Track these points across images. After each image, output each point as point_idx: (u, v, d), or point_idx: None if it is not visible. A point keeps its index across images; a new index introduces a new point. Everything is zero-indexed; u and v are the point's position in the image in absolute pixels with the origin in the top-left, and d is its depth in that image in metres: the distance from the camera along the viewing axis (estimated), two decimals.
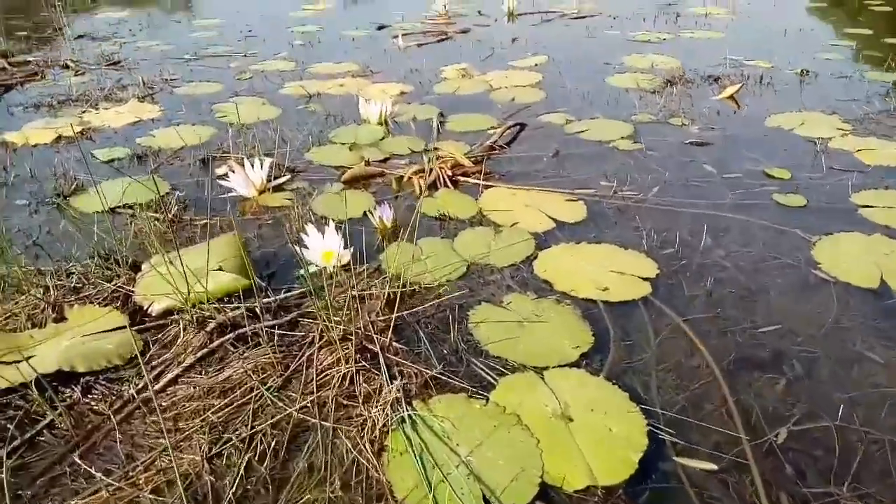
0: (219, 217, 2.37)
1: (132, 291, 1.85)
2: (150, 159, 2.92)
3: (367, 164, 2.81)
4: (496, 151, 2.95)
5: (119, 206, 2.44)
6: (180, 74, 4.31)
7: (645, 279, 1.94)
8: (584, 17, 5.74)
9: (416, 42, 5.05)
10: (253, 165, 2.60)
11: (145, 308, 1.79)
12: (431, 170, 2.67)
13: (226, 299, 1.85)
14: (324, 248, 2.01)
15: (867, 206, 2.31)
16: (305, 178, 2.72)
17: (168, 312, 1.79)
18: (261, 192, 2.57)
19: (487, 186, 2.56)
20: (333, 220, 2.23)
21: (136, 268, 1.98)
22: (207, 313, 1.74)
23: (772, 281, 1.92)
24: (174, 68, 4.47)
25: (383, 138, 3.12)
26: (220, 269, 1.84)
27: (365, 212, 2.38)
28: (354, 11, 6.83)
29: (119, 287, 1.87)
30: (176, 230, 2.28)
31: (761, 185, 2.54)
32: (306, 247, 2.01)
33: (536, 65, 4.29)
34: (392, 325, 1.72)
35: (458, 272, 2.00)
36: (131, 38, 5.58)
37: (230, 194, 2.52)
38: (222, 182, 2.56)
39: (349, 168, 2.74)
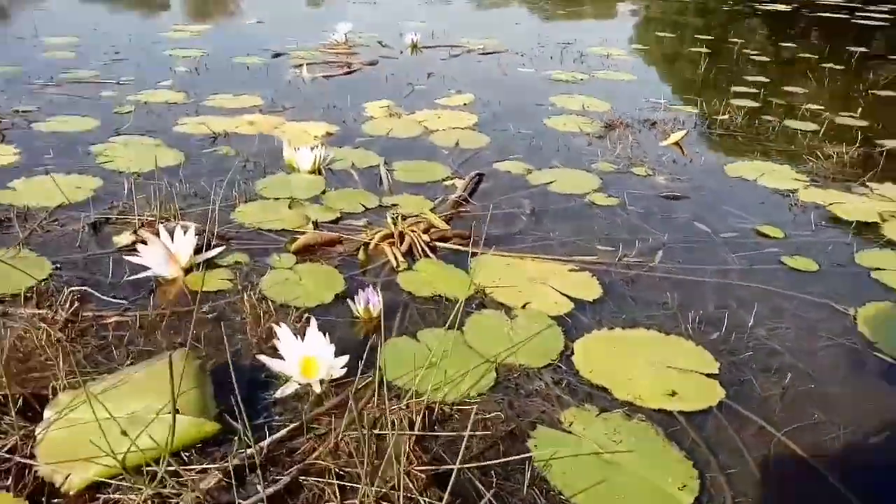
0: (136, 311, 1.74)
1: (31, 459, 1.21)
2: (16, 224, 2.18)
3: (317, 227, 2.29)
4: (462, 208, 2.54)
5: None
6: (37, 105, 3.47)
7: (709, 376, 1.62)
8: (491, 53, 5.52)
9: (323, 73, 4.53)
10: (172, 233, 1.99)
11: (57, 485, 1.17)
12: (402, 234, 2.21)
13: (186, 456, 1.27)
14: (305, 356, 1.51)
15: (878, 269, 2.18)
16: (241, 247, 2.14)
17: (95, 488, 1.18)
18: (187, 271, 1.96)
19: (473, 254, 2.14)
20: (295, 307, 1.72)
21: (31, 414, 1.33)
22: (167, 488, 1.15)
23: (837, 368, 1.69)
24: (28, 97, 3.60)
25: (324, 192, 2.60)
26: (175, 409, 1.26)
27: (337, 295, 1.87)
28: (237, 35, 6.14)
29: (8, 453, 1.22)
30: (75, 337, 1.62)
31: (760, 245, 2.36)
32: (280, 356, 1.49)
33: (465, 104, 3.96)
34: (430, 475, 1.25)
35: (487, 380, 1.56)
36: None
37: (143, 274, 1.89)
38: (130, 258, 1.93)
39: (296, 233, 2.21)
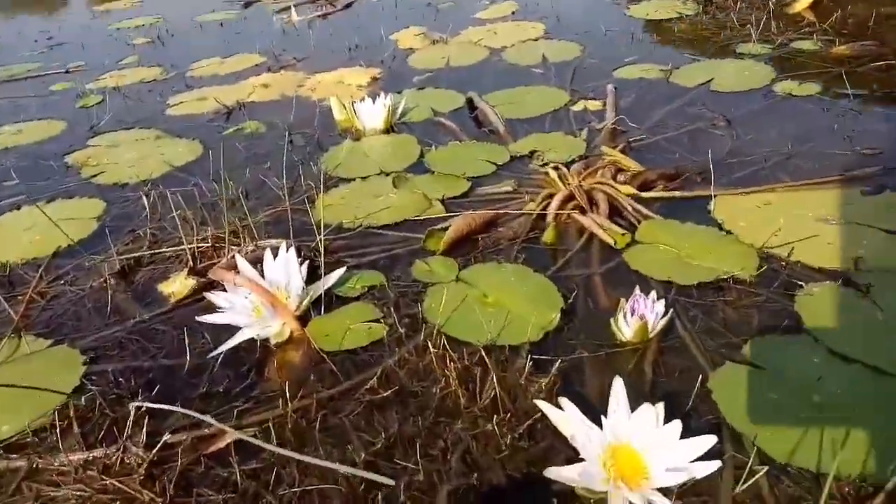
0: (253, 415, 1.00)
1: None
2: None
3: (446, 207, 1.53)
4: (621, 138, 1.79)
5: None
6: None
7: None
8: None
9: (317, 13, 3.64)
10: (257, 262, 1.23)
11: None
12: (589, 193, 1.46)
13: None
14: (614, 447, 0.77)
15: None
16: (357, 261, 1.38)
17: None
18: (302, 320, 1.21)
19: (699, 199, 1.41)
20: (509, 347, 1.01)
21: None
22: None
23: None
24: None
25: (422, 155, 1.82)
26: None
27: (563, 312, 1.14)
28: None
29: None
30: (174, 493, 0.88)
31: None
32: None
33: (513, 13, 3.14)
34: None
35: None
36: None
37: (232, 342, 1.14)
38: (206, 318, 1.17)
39: (425, 223, 1.45)
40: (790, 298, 1.13)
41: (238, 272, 1.19)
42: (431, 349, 1.07)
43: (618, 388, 0.87)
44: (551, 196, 1.47)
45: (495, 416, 0.95)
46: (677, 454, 0.81)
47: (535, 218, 1.44)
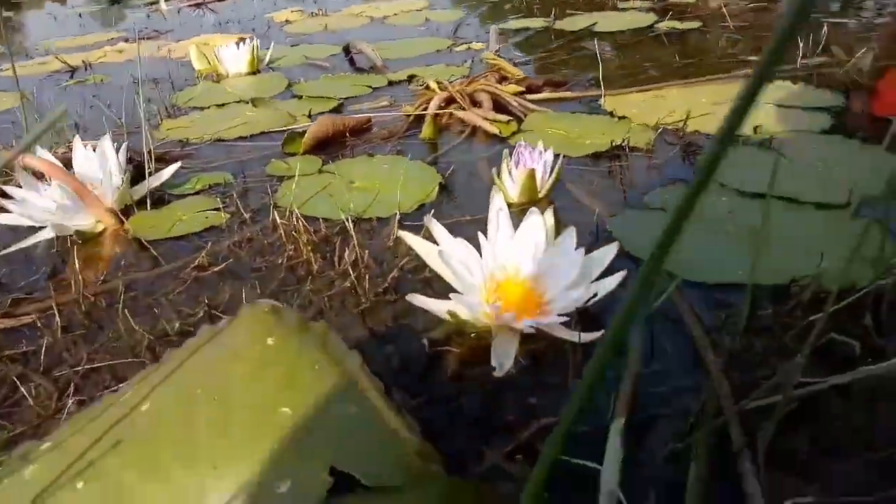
0: (32, 308, 0.75)
1: None
2: None
3: (337, 109, 1.34)
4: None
5: None
6: None
7: None
8: None
9: (188, 3, 3.40)
10: (78, 149, 0.99)
11: None
12: (471, 95, 1.32)
13: None
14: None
15: None
16: (205, 167, 1.15)
17: None
18: (121, 215, 0.96)
19: (593, 99, 1.30)
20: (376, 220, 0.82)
21: None
22: None
23: None
24: None
25: (290, 86, 1.63)
26: None
27: (441, 187, 0.97)
28: None
29: None
30: None
31: None
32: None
33: None
34: None
35: None
36: None
37: (31, 240, 0.88)
38: None
39: (286, 132, 1.24)
40: (690, 158, 1.01)
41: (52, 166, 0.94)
42: (280, 223, 0.86)
43: (498, 205, 0.69)
44: (430, 101, 1.31)
45: (354, 275, 0.75)
46: (575, 270, 0.64)
47: (413, 120, 1.28)
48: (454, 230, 0.69)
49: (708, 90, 1.31)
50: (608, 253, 0.66)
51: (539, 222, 0.67)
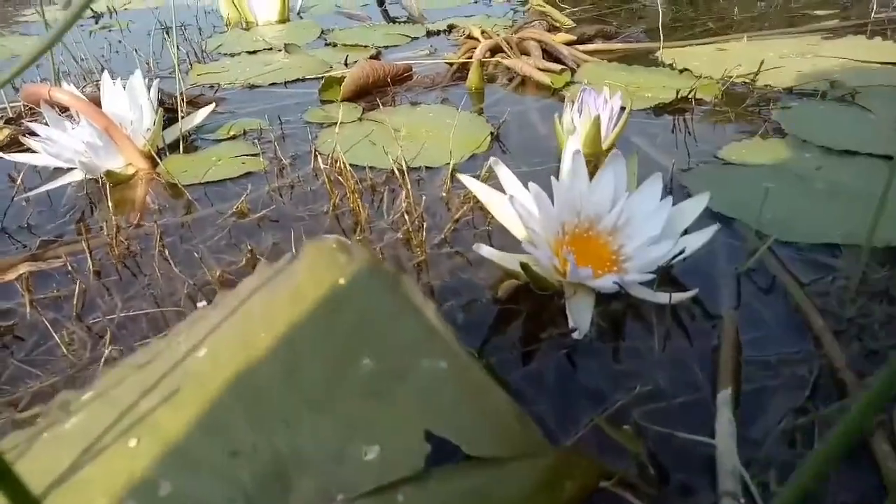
0: (63, 251, 0.70)
1: None
2: None
3: (375, 57, 1.27)
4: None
5: None
6: None
7: None
8: None
9: None
10: (107, 85, 0.93)
11: None
12: (520, 43, 1.24)
13: None
14: None
15: None
16: (239, 112, 1.09)
17: None
18: (153, 161, 0.90)
19: (649, 53, 1.22)
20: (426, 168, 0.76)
21: None
22: None
23: None
24: None
25: (323, 33, 1.55)
26: None
27: (492, 136, 0.90)
28: None
29: None
30: None
31: None
32: None
33: None
34: None
35: None
36: None
37: (58, 182, 0.83)
38: (13, 156, 0.86)
39: (323, 80, 1.17)
40: (764, 112, 0.93)
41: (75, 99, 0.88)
42: (323, 169, 0.80)
43: (573, 147, 0.62)
44: (474, 49, 1.23)
45: (408, 225, 0.69)
46: (660, 222, 0.57)
47: (456, 70, 1.20)
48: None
49: (773, 44, 1.22)
50: (698, 204, 0.59)
51: (621, 166, 0.60)
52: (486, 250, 0.57)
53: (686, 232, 0.59)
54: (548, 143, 0.89)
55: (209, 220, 0.76)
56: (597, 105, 0.82)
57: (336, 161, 0.82)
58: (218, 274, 0.64)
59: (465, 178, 0.64)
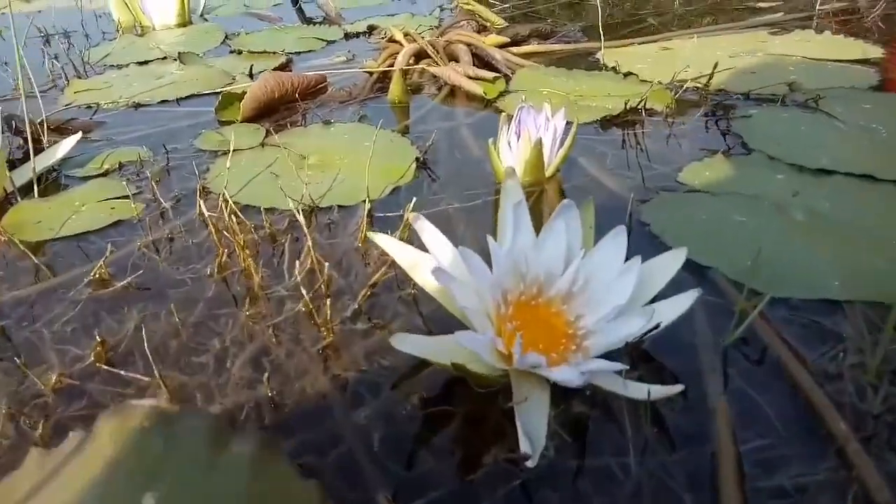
0: None
1: None
2: None
3: (284, 67, 1.11)
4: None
5: None
6: None
7: None
8: None
9: None
10: None
11: None
12: (447, 47, 1.10)
13: None
14: None
15: None
16: (109, 139, 0.91)
17: None
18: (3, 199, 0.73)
19: (589, 53, 1.10)
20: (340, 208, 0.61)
21: None
22: None
23: None
24: None
25: (226, 39, 1.38)
26: None
27: (418, 162, 0.77)
28: None
29: None
30: None
31: None
32: None
33: None
34: None
35: None
36: None
37: None
38: None
39: (222, 94, 1.00)
40: (722, 123, 0.82)
41: None
42: (209, 217, 0.64)
43: (513, 196, 0.49)
44: (396, 56, 1.09)
45: (311, 292, 0.55)
46: (627, 287, 0.45)
47: (377, 80, 1.05)
48: (439, 223, 0.49)
49: (720, 41, 1.13)
50: (674, 262, 0.47)
51: (574, 216, 0.47)
52: (408, 344, 0.43)
53: (656, 297, 0.46)
54: (483, 168, 0.76)
55: (59, 291, 0.59)
56: (537, 125, 0.69)
57: (227, 203, 0.66)
58: (54, 380, 0.48)
59: (380, 238, 0.51)
